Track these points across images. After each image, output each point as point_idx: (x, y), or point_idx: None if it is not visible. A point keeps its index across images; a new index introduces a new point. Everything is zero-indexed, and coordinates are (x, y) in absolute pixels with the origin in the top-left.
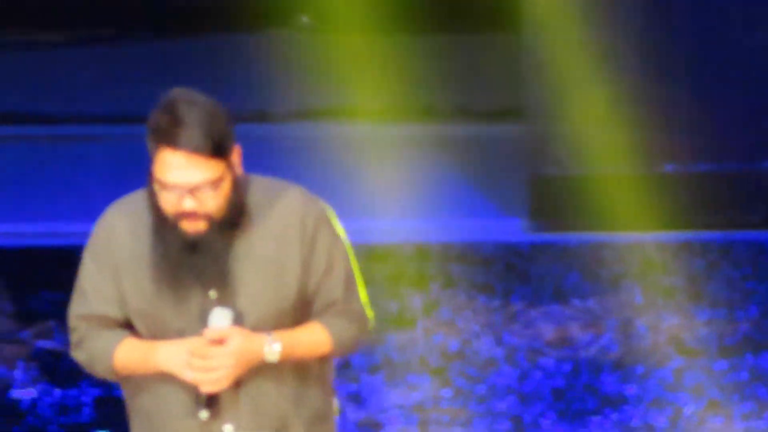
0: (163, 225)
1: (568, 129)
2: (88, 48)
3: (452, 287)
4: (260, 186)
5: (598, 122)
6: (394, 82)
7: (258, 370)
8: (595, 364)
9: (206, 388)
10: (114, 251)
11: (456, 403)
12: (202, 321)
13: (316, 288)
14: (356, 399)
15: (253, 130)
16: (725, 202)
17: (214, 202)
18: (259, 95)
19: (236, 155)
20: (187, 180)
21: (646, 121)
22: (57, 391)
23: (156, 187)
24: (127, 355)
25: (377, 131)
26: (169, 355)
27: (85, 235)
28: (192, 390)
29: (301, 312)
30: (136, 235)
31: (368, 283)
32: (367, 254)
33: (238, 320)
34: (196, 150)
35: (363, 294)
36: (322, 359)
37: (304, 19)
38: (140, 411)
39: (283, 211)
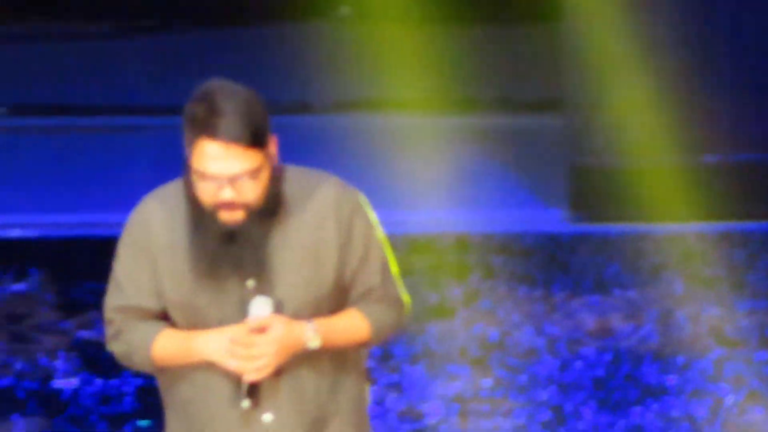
0: (201, 215)
1: (609, 120)
2: (132, 39)
3: (493, 278)
4: (296, 176)
5: (638, 113)
6: (435, 73)
7: (297, 359)
8: (635, 355)
9: (249, 377)
10: (150, 242)
11: (496, 393)
12: (241, 311)
13: (353, 276)
14: (397, 389)
15: (294, 121)
16: (766, 192)
17: (252, 192)
18: (300, 86)
19: (273, 145)
20: (225, 170)
21: (686, 112)
22: (98, 381)
23: (194, 177)
24: (166, 346)
25: (418, 122)
26: (211, 344)
27: None
28: (232, 379)
29: (338, 300)
30: (172, 225)
31: (409, 273)
32: (408, 245)
33: (279, 308)
34: (235, 140)
35: (399, 281)
36: (359, 347)
37: (345, 10)
38: (177, 402)
39: (319, 200)
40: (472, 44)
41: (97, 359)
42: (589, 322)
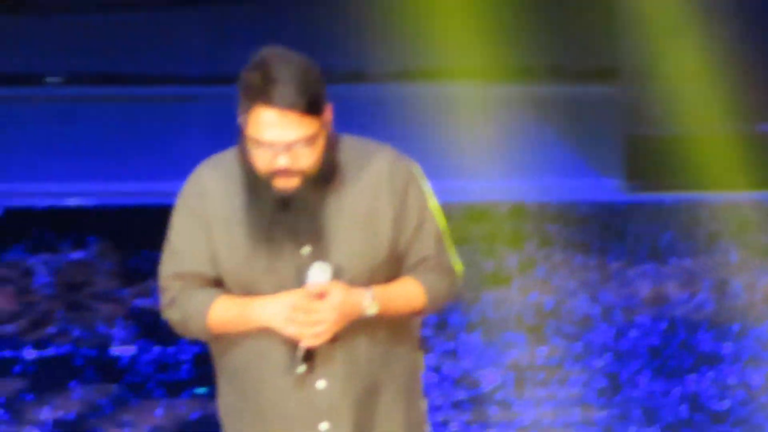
0: (256, 183)
1: (664, 88)
2: (188, 8)
3: (548, 246)
4: (351, 145)
5: (693, 81)
6: (490, 41)
7: (353, 327)
8: (691, 323)
9: (307, 342)
10: (206, 209)
11: (552, 361)
12: (296, 278)
13: (407, 244)
14: (453, 357)
15: (350, 90)
16: None
17: (307, 159)
18: (355, 55)
19: (329, 112)
20: (281, 137)
21: (741, 79)
22: (156, 349)
23: (249, 144)
24: (223, 313)
25: (473, 91)
26: (269, 310)
27: None
28: (288, 345)
29: (392, 269)
30: (227, 193)
31: (464, 242)
32: (464, 214)
33: (338, 274)
34: (291, 107)
35: (452, 250)
36: (413, 315)
37: None
38: (231, 368)
39: (373, 169)
40: (528, 13)
41: (154, 327)
42: (645, 290)
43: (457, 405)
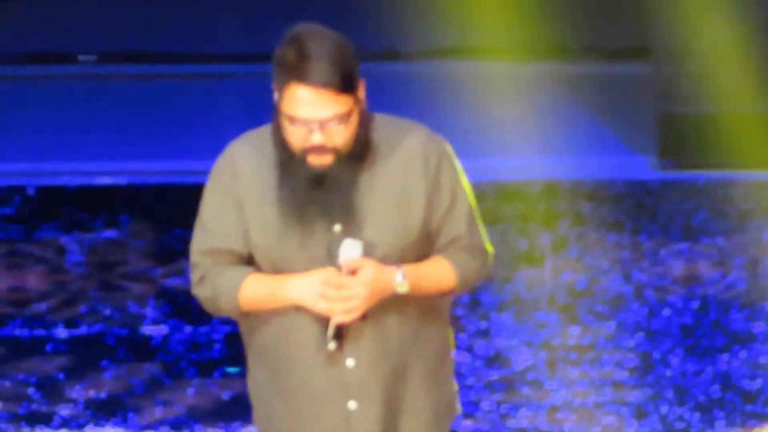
0: (290, 159)
1: (697, 66)
2: None
3: (581, 225)
4: (384, 124)
5: (727, 59)
6: (524, 20)
7: (383, 305)
8: (723, 302)
9: (338, 319)
10: (238, 185)
11: (584, 340)
12: (327, 255)
13: (439, 223)
14: (485, 336)
15: (384, 68)
16: None
17: (341, 136)
18: (390, 33)
19: (362, 90)
20: (316, 114)
21: None
22: (188, 328)
23: (283, 121)
24: (253, 290)
25: (507, 69)
26: (301, 287)
27: None
28: (318, 322)
29: (423, 248)
30: (259, 169)
31: (497, 221)
32: (497, 192)
33: (369, 251)
34: (326, 84)
35: (483, 231)
36: (444, 295)
37: None
38: (260, 346)
39: (407, 147)
40: None
41: (186, 306)
42: (677, 269)
43: (489, 385)
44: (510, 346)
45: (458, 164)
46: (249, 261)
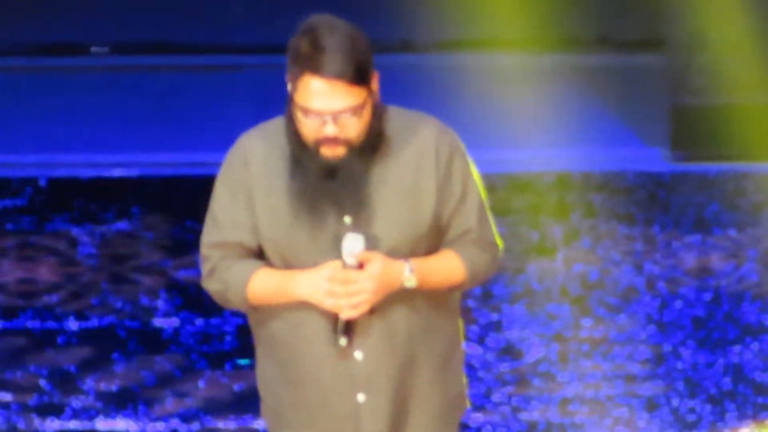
0: (302, 151)
1: (710, 58)
2: None
3: (593, 216)
4: (397, 116)
5: (739, 51)
6: (536, 11)
7: (391, 298)
8: (735, 294)
9: (346, 314)
10: (249, 177)
11: (596, 332)
12: (337, 247)
13: (450, 216)
14: (497, 328)
15: (397, 60)
16: None
17: (354, 128)
18: (402, 25)
19: (376, 82)
20: (330, 106)
21: None
22: (199, 320)
23: (297, 112)
24: (262, 285)
25: (519, 61)
26: (308, 284)
27: None
28: (327, 317)
29: (433, 241)
30: (271, 161)
31: (509, 212)
32: (509, 184)
33: (373, 245)
34: (339, 76)
35: (493, 224)
36: (453, 289)
37: None
38: (269, 339)
39: (418, 140)
40: None
41: (197, 298)
42: (689, 261)
43: (501, 377)
44: (521, 338)
45: (469, 158)
46: (259, 254)
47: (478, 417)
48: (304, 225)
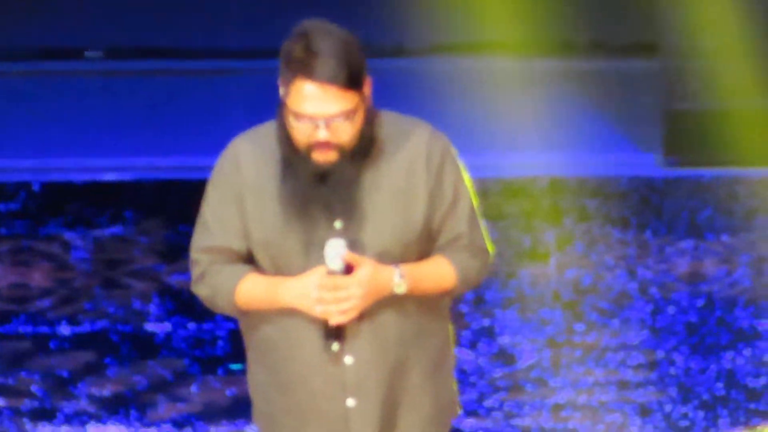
0: (294, 155)
1: (704, 63)
2: None
3: (586, 221)
4: (389, 121)
5: (733, 56)
6: (530, 16)
7: (381, 304)
8: (728, 299)
9: (335, 320)
10: (240, 181)
11: (589, 337)
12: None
13: (441, 221)
14: (490, 333)
15: (391, 64)
16: None
17: (346, 133)
18: (397, 29)
19: (368, 87)
20: (322, 111)
21: None
22: (192, 325)
23: (289, 117)
24: (251, 291)
25: (513, 66)
26: (296, 292)
27: None
28: (317, 323)
29: (424, 247)
30: (262, 165)
31: (502, 217)
32: (502, 188)
33: (357, 250)
34: (332, 81)
35: (484, 230)
36: (443, 294)
37: None
38: (260, 344)
39: (410, 145)
40: None
41: (190, 303)
42: (682, 266)
43: (493, 382)
44: (514, 343)
45: (461, 163)
46: (249, 258)
47: (470, 422)
48: (295, 229)
